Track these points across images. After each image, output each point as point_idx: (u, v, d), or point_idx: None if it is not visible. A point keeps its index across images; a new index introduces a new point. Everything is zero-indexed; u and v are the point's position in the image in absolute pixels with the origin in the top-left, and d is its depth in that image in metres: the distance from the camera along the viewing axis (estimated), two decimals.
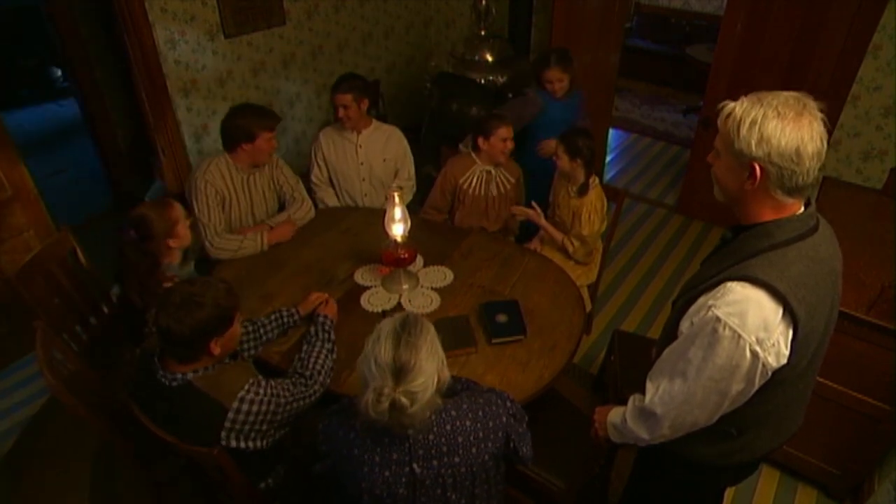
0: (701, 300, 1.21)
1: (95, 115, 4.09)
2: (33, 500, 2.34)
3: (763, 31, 3.31)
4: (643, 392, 1.37)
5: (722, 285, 1.17)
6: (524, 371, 1.87)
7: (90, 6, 3.85)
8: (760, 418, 1.33)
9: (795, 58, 3.26)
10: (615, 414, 1.49)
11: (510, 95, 3.78)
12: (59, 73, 6.16)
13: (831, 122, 3.21)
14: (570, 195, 2.62)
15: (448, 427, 1.29)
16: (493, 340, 1.95)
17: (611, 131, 4.98)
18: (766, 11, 3.25)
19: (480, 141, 2.67)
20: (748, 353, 1.14)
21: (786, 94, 1.12)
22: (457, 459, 1.30)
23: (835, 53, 3.11)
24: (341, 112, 2.75)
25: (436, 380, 1.20)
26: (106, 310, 2.35)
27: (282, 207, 2.74)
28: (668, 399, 1.29)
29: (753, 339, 1.13)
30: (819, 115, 1.11)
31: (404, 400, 1.14)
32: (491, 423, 1.34)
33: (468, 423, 1.31)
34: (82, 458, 2.45)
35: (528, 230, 2.94)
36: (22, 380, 2.88)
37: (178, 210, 2.08)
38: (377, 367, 1.16)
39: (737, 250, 1.22)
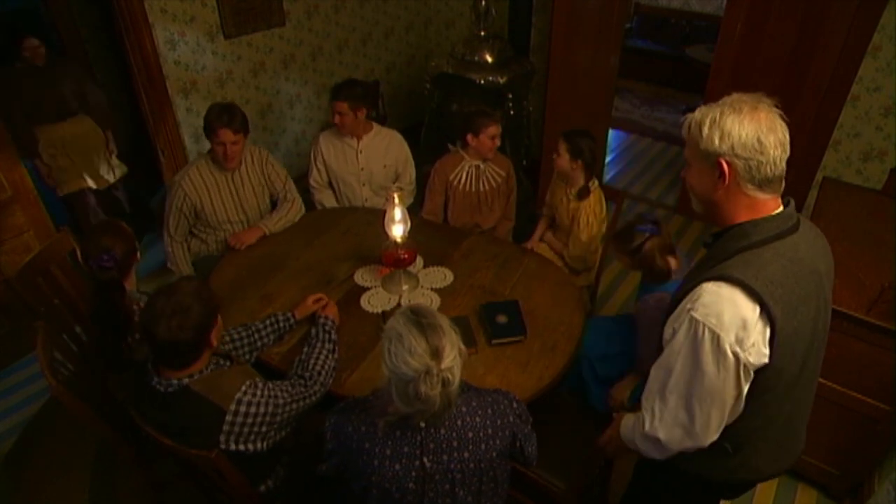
0: (680, 306, 1.23)
1: None
2: (33, 500, 2.34)
3: (763, 31, 3.31)
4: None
5: (698, 287, 1.18)
6: (524, 371, 1.87)
7: (90, 7, 3.85)
8: (753, 433, 1.32)
9: (795, 58, 3.25)
10: (625, 427, 1.45)
11: (510, 96, 3.79)
12: None
13: (831, 123, 3.24)
14: (568, 198, 2.60)
15: (459, 422, 1.32)
16: (494, 341, 1.95)
17: (611, 132, 4.98)
18: (766, 11, 3.25)
19: (469, 137, 2.66)
20: (730, 354, 1.14)
21: (739, 94, 1.18)
22: (466, 455, 1.32)
23: (835, 53, 3.11)
24: (337, 118, 2.75)
25: (458, 350, 1.25)
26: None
27: (274, 205, 2.76)
28: (670, 420, 1.27)
29: (732, 338, 1.13)
30: (775, 109, 1.15)
31: (449, 375, 1.20)
32: (499, 421, 1.37)
33: (478, 419, 1.34)
34: (82, 459, 2.46)
35: (527, 231, 2.94)
36: (22, 380, 2.88)
37: (127, 227, 1.96)
38: (416, 357, 1.18)
39: (716, 254, 1.23)
